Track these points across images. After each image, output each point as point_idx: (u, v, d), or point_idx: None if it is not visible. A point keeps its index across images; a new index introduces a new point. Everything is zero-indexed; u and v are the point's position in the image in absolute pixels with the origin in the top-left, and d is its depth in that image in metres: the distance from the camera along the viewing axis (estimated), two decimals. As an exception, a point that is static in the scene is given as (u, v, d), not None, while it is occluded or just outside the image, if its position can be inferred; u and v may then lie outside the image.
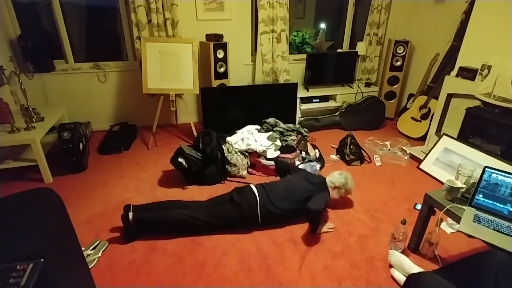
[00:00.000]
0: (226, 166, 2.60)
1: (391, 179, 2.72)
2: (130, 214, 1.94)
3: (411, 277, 1.36)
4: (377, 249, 1.90)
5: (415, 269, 1.55)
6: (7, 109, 2.66)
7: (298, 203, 2.06)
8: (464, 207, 1.54)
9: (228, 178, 2.61)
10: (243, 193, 2.06)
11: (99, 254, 1.81)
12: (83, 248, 1.81)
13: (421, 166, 2.87)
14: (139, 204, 2.07)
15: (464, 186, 1.62)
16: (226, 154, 2.60)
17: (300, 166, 2.58)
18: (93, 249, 1.84)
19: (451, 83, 2.85)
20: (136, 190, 2.48)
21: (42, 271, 0.92)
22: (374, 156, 3.09)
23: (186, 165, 2.38)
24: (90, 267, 1.72)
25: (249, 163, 2.68)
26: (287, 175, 2.34)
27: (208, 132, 2.53)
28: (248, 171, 2.70)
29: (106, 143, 3.21)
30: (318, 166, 2.62)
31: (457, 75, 2.82)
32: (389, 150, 3.20)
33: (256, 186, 2.12)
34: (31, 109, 2.74)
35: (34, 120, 2.71)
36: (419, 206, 2.28)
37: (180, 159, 2.39)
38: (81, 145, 2.67)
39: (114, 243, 1.91)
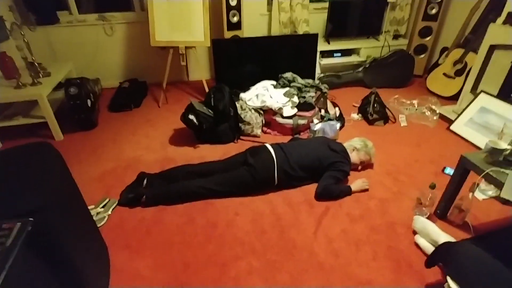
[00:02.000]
0: (240, 124, 2.45)
1: (417, 141, 2.51)
2: (145, 181, 1.90)
3: (443, 247, 1.23)
4: (399, 214, 1.77)
5: (444, 237, 1.42)
6: (11, 64, 2.56)
7: (318, 168, 1.92)
8: (507, 171, 1.35)
9: (241, 137, 2.48)
10: (258, 154, 1.93)
11: (109, 212, 1.78)
12: (92, 206, 1.78)
13: (452, 127, 2.62)
14: (151, 173, 1.99)
15: (509, 147, 1.42)
16: (239, 112, 2.44)
17: (319, 125, 2.39)
18: (103, 207, 1.81)
19: (496, 32, 2.48)
20: (147, 148, 2.40)
21: (35, 230, 0.85)
22: (400, 116, 2.85)
23: (197, 123, 2.25)
24: (100, 224, 1.69)
25: (263, 122, 2.52)
26: None
27: (220, 87, 2.35)
28: (262, 130, 2.55)
29: (116, 101, 3.10)
30: (338, 125, 2.43)
31: (504, 23, 2.43)
32: (416, 109, 2.94)
33: (272, 146, 1.98)
34: (36, 64, 2.62)
35: (40, 75, 2.60)
36: (448, 170, 2.10)
37: (191, 116, 2.25)
38: (89, 101, 2.57)
39: (124, 200, 1.87)
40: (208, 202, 1.83)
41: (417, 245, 1.56)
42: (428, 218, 1.67)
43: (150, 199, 1.81)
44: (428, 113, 2.86)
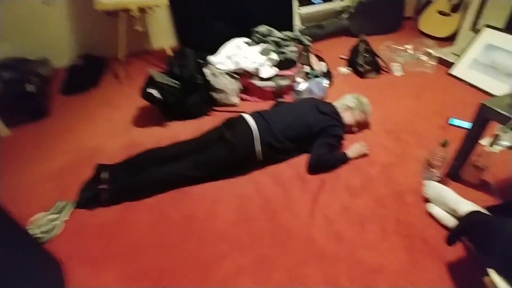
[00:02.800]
0: (212, 93, 2.10)
1: (416, 91, 2.22)
2: (105, 175, 1.56)
3: (471, 220, 0.98)
4: (407, 180, 1.52)
5: (465, 204, 1.18)
6: None
7: (307, 136, 1.63)
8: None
9: (215, 108, 2.14)
10: (234, 126, 1.62)
11: (66, 218, 1.47)
12: (42, 214, 1.46)
13: (453, 72, 2.33)
14: (112, 164, 1.65)
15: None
16: (210, 79, 2.08)
17: (304, 85, 2.06)
18: (58, 212, 1.49)
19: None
20: (108, 133, 2.04)
21: None
22: (394, 64, 2.53)
23: (160, 97, 1.89)
24: (55, 234, 1.39)
25: (240, 87, 2.17)
26: None
27: (182, 51, 1.96)
28: (240, 97, 2.21)
29: (69, 82, 2.66)
30: (326, 82, 2.10)
31: None
32: (411, 55, 2.61)
33: (252, 115, 1.66)
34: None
35: (-35, 59, 2.14)
36: (454, 121, 1.83)
37: (152, 90, 1.89)
38: (30, 86, 2.15)
39: (83, 201, 1.55)
40: (182, 191, 1.54)
41: (430, 215, 1.32)
42: (439, 182, 1.43)
43: (112, 196, 1.51)
44: (424, 58, 2.54)
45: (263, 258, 1.22)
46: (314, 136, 1.63)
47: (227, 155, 1.54)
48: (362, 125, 1.85)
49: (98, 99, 2.49)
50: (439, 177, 1.45)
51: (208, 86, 2.08)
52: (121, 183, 1.54)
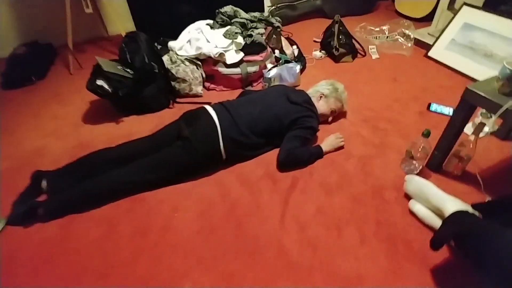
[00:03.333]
0: (172, 83, 1.87)
1: (393, 75, 2.09)
2: (44, 183, 1.33)
3: (456, 220, 0.85)
4: (386, 173, 1.39)
5: (449, 202, 1.05)
6: None
7: (277, 129, 1.45)
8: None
9: (177, 100, 1.91)
10: (195, 121, 1.41)
11: (-6, 237, 1.23)
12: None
13: (430, 54, 2.21)
14: (52, 170, 1.40)
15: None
16: (169, 66, 1.84)
17: (274, 71, 1.87)
18: (-16, 230, 1.25)
19: None
20: (54, 133, 1.77)
21: None
22: (369, 47, 2.38)
23: (109, 89, 1.64)
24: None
25: (203, 75, 1.95)
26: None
27: (133, 35, 1.71)
28: (204, 86, 1.99)
29: (9, 74, 2.32)
30: (298, 67, 1.92)
31: None
32: (387, 37, 2.48)
33: (214, 106, 1.46)
34: None
35: None
36: (434, 107, 1.72)
37: (99, 82, 1.63)
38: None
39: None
40: (136, 199, 1.33)
41: (412, 213, 1.20)
42: (419, 173, 1.31)
43: (52, 208, 1.28)
44: (401, 39, 2.41)
45: (228, 275, 1.05)
46: (285, 129, 1.46)
47: (185, 156, 1.34)
48: (338, 114, 1.70)
49: (44, 93, 2.18)
50: (418, 168, 1.33)
51: (167, 75, 1.84)
52: (63, 193, 1.31)
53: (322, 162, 1.46)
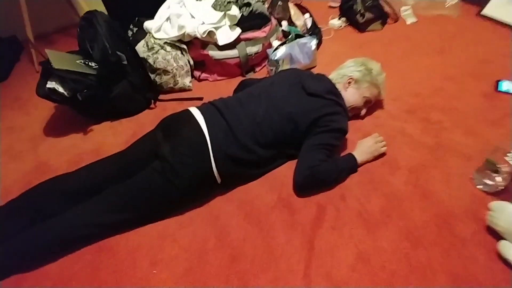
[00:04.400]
0: (152, 75, 1.45)
1: (438, 44, 1.60)
2: None
3: None
4: (452, 192, 0.97)
5: None
6: None
7: (291, 136, 1.04)
8: None
9: (160, 98, 1.50)
10: (176, 131, 1.01)
11: None
12: None
13: (485, 11, 1.69)
14: None
15: None
16: (144, 55, 1.42)
17: (282, 50, 1.42)
18: None
19: None
20: (7, 152, 1.40)
21: None
22: (402, 9, 1.87)
23: (65, 93, 1.24)
24: None
25: (191, 63, 1.52)
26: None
27: (90, 17, 1.27)
28: (194, 76, 1.57)
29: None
30: (313, 43, 1.45)
31: None
32: (423, -7, 1.94)
33: (202, 109, 1.05)
34: None
35: None
36: (508, 86, 1.24)
37: (51, 84, 1.23)
38: None
39: None
40: (102, 247, 0.96)
41: (505, 262, 0.79)
42: (503, 193, 0.88)
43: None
44: (442, -5, 1.88)
45: None
46: (302, 134, 1.05)
47: (165, 185, 0.95)
48: (373, 105, 1.25)
49: (3, 97, 1.80)
50: (499, 187, 0.90)
51: (143, 67, 1.42)
52: (3, 244, 0.95)
53: (357, 178, 1.04)
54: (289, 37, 1.48)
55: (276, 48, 1.42)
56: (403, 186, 1.00)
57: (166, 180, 0.94)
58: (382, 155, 1.09)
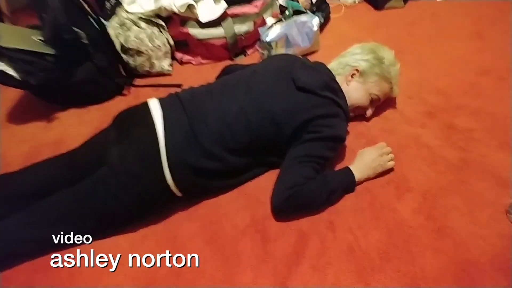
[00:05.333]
0: (124, 57, 1.25)
1: (474, 29, 1.30)
2: None
3: None
4: (478, 229, 0.73)
5: None
6: None
7: (274, 141, 0.83)
8: None
9: (135, 83, 1.30)
10: (128, 130, 0.82)
11: None
12: None
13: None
14: None
15: None
16: (114, 32, 1.21)
17: (277, 29, 1.16)
18: None
19: None
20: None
21: None
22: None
23: (17, 76, 1.06)
24: None
25: (171, 42, 1.29)
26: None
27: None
28: (175, 58, 1.35)
29: None
30: (315, 22, 1.19)
31: None
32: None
33: (163, 102, 0.84)
34: None
35: None
36: None
37: (0, 66, 1.05)
38: None
39: None
40: (37, 265, 0.80)
41: None
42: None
43: None
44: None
45: None
46: (286, 140, 0.83)
47: (108, 198, 0.77)
48: (382, 103, 1.00)
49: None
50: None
51: (112, 46, 1.21)
52: None
53: (352, 200, 0.82)
54: (287, 13, 1.21)
55: (270, 27, 1.17)
56: (412, 216, 0.77)
57: (111, 194, 0.76)
58: (389, 171, 0.85)
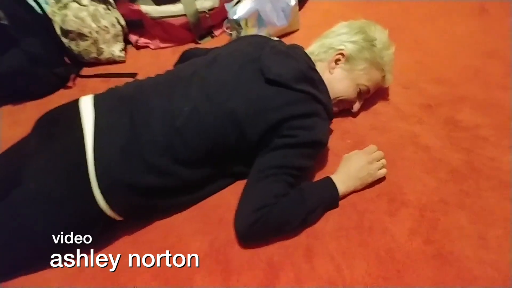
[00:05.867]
0: (65, 41, 1.03)
1: (478, 3, 1.12)
2: None
3: None
4: (485, 253, 0.59)
5: None
6: None
7: (236, 148, 0.66)
8: None
9: (81, 74, 1.09)
10: (47, 141, 0.64)
11: None
12: None
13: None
14: None
15: None
16: (52, 11, 0.99)
17: (246, 4, 0.97)
18: None
19: None
20: None
21: None
22: None
23: None
24: None
25: (122, 23, 1.08)
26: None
27: None
28: (130, 42, 1.14)
29: None
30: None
31: None
32: None
33: (98, 99, 0.66)
34: None
35: None
36: None
37: None
38: None
39: None
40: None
41: None
42: None
43: None
44: None
45: None
46: (251, 146, 0.66)
47: (21, 234, 0.59)
48: (373, 94, 0.83)
49: None
50: None
51: (51, 27, 1.00)
52: None
53: (335, 220, 0.66)
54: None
55: (238, 2, 0.97)
56: (408, 238, 0.62)
57: (23, 225, 0.59)
58: (380, 180, 0.70)
